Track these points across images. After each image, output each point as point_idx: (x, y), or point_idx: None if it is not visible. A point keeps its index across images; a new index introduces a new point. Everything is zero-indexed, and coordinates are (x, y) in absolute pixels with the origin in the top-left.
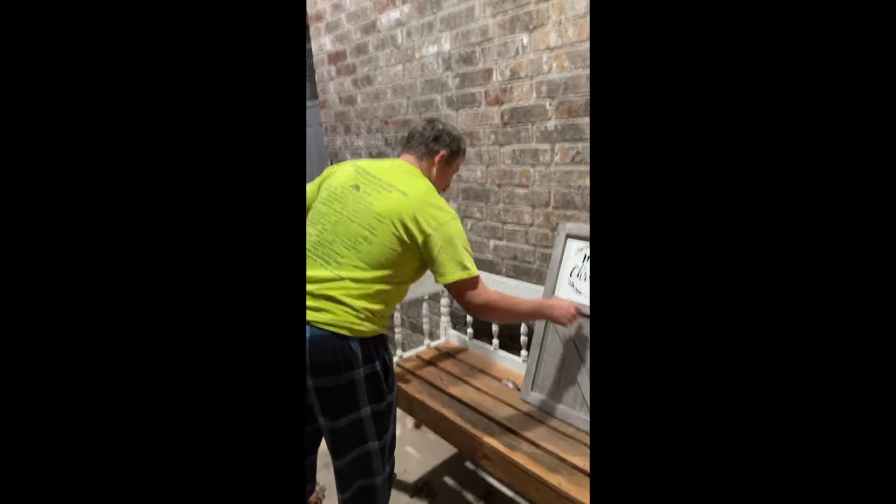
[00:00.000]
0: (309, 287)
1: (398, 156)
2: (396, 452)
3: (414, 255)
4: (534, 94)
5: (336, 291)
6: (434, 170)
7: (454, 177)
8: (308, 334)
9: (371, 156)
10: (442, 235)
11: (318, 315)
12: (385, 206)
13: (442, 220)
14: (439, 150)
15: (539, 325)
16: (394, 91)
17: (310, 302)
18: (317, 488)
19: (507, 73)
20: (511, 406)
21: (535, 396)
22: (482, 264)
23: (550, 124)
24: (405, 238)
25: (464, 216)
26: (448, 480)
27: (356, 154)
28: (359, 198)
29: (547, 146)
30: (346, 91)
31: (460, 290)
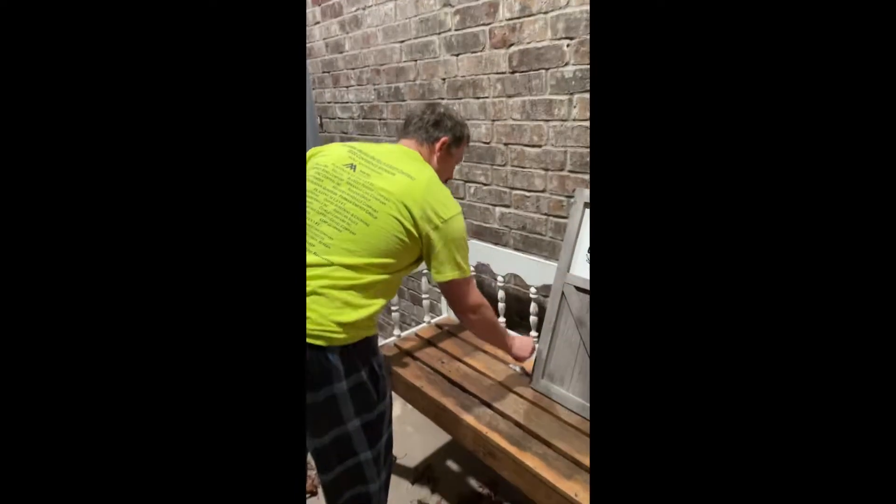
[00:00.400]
0: None
1: (396, 140)
2: (396, 433)
3: (416, 245)
4: (549, 33)
5: (320, 281)
6: (435, 158)
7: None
8: None
9: (363, 111)
10: (448, 231)
11: None
12: (389, 188)
13: (450, 213)
14: (440, 136)
15: (552, 305)
16: (385, 34)
17: None
18: (311, 474)
19: (517, 6)
20: (519, 395)
21: (547, 385)
22: (486, 233)
23: (568, 70)
24: (409, 226)
25: (466, 179)
26: (451, 465)
27: (346, 109)
28: (355, 177)
29: (564, 97)
30: (332, 36)
31: (455, 289)
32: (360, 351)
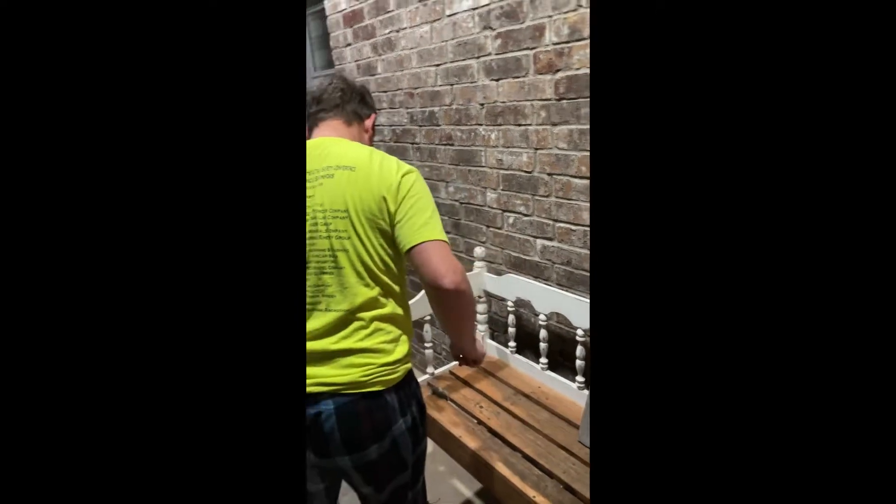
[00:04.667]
0: (310, 347)
1: (312, 128)
2: (429, 474)
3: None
4: None
5: (344, 343)
6: (366, 137)
7: (494, 161)
8: (332, 406)
9: (395, 134)
10: (412, 182)
11: (338, 375)
12: (336, 194)
13: (408, 168)
14: (370, 114)
15: None
16: (420, 57)
17: (319, 369)
18: None
19: (565, 30)
20: (566, 450)
21: None
22: (525, 265)
23: None
24: (377, 212)
25: (504, 209)
26: None
27: (378, 132)
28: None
29: None
30: (364, 58)
31: (432, 251)
32: (408, 385)
